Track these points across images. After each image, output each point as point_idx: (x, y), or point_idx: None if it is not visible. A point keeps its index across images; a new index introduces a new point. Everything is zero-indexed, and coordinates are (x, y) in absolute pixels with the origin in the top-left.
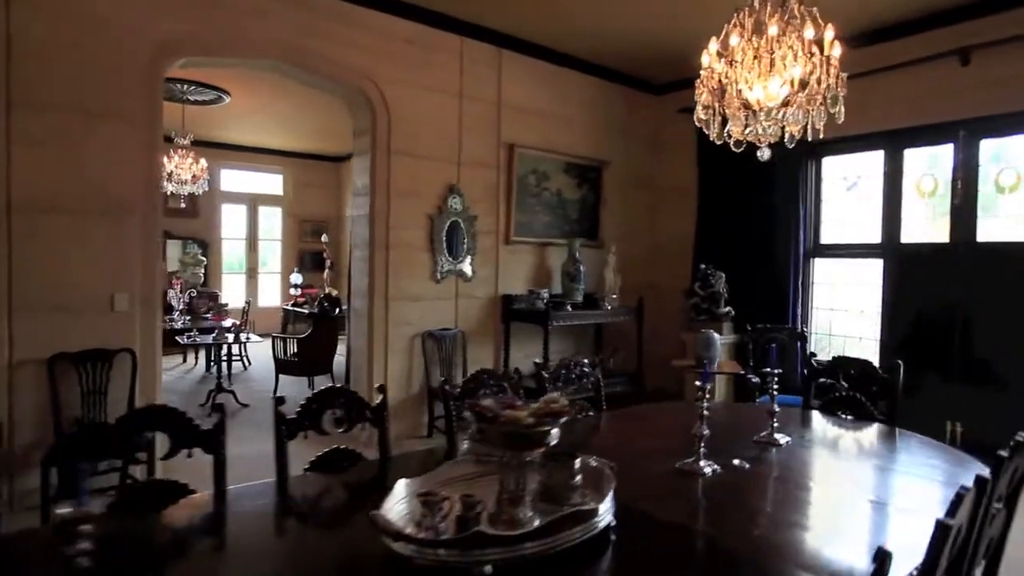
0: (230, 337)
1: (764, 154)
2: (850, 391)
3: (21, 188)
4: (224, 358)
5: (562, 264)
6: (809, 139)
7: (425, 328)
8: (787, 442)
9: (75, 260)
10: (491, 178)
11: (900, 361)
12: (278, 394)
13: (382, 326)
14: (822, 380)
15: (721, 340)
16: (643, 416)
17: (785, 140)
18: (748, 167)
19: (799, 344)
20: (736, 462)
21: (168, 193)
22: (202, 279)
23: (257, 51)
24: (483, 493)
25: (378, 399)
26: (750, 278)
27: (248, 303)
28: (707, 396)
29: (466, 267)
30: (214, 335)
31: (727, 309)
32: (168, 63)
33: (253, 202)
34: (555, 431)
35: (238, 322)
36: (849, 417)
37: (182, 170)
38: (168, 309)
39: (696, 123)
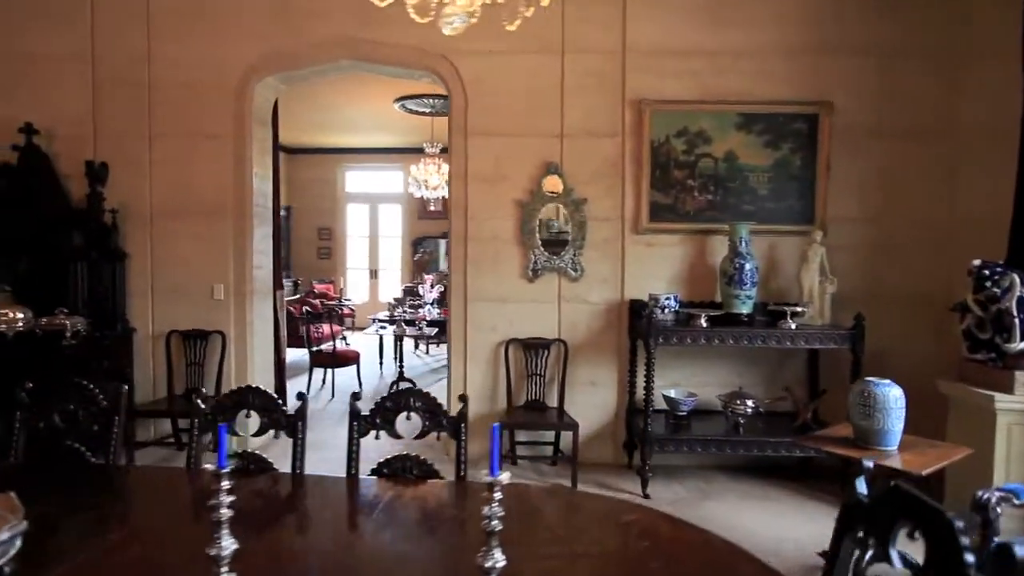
0: (409, 329)
1: (452, 22)
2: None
3: (156, 199)
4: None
5: (720, 261)
6: None
7: (512, 335)
8: None
9: (186, 256)
10: (609, 149)
11: None
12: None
13: (460, 329)
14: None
15: (1004, 404)
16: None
17: None
18: None
19: None
20: None
21: (421, 197)
22: None
23: (327, 54)
24: None
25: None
26: None
27: None
28: None
29: (568, 263)
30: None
31: None
32: (252, 84)
33: None
34: None
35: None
36: None
37: (430, 176)
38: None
39: None
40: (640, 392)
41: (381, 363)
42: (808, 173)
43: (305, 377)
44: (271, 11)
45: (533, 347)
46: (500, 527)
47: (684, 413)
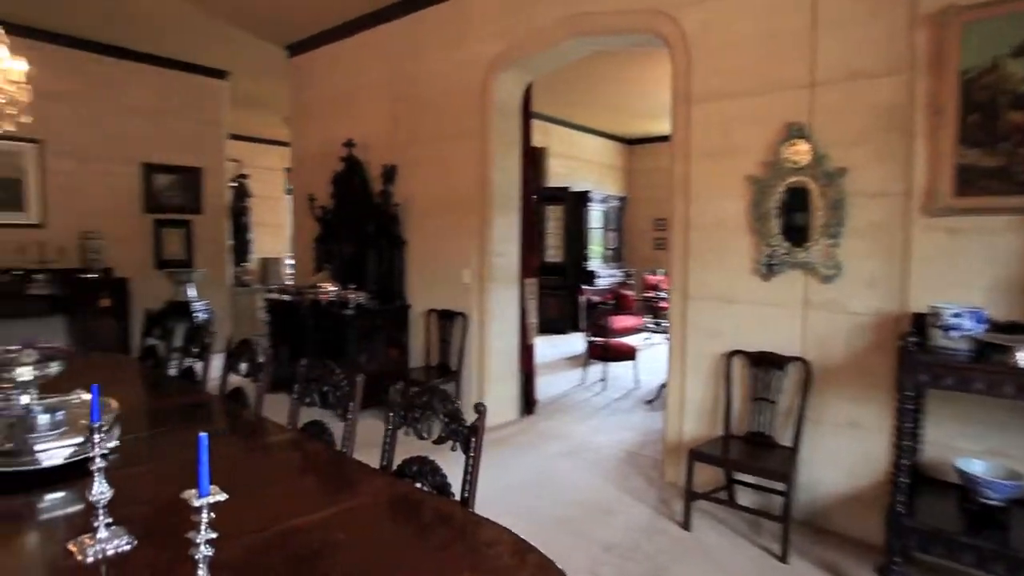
0: None
1: None
2: None
3: (425, 194)
4: None
5: None
6: None
7: (739, 345)
8: None
9: (444, 243)
10: (885, 94)
11: None
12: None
13: (679, 332)
14: None
15: None
16: None
17: None
18: None
19: None
20: None
21: None
22: None
23: (551, 38)
24: None
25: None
26: None
27: None
28: None
29: (817, 257)
30: None
31: None
32: (491, 81)
33: None
34: None
35: None
36: None
37: None
38: None
39: None
40: (930, 450)
41: None
42: None
43: (595, 368)
44: (506, 9)
45: (764, 363)
46: (209, 553)
47: (995, 502)
